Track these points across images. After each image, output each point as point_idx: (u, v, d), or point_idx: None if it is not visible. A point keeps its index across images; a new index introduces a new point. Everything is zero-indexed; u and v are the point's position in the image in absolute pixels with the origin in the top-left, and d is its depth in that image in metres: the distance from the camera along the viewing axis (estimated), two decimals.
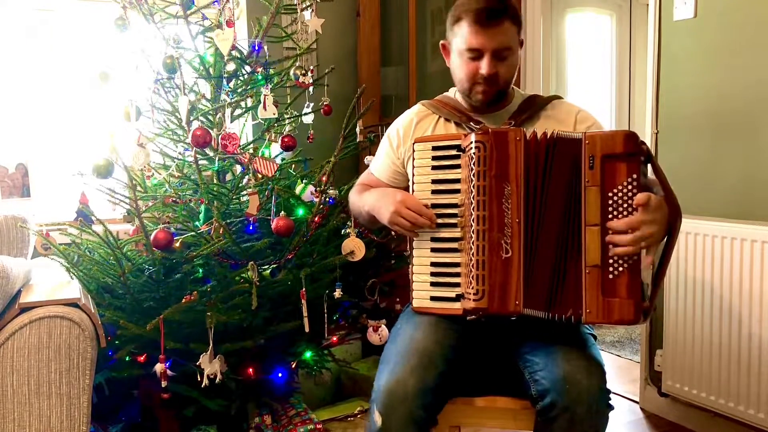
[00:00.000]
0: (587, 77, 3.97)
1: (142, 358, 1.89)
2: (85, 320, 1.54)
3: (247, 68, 2.14)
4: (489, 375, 1.62)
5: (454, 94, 1.75)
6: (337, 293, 1.98)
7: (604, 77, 4.02)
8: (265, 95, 2.04)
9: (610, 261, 1.41)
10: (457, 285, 1.50)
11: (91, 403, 1.58)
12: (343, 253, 1.96)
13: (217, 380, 1.83)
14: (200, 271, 1.99)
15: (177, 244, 1.80)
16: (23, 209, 2.14)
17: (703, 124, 2.36)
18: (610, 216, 1.41)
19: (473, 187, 1.46)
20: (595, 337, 1.58)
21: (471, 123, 1.62)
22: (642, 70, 3.65)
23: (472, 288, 1.45)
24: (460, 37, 1.58)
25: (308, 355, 2.17)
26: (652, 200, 1.38)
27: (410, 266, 1.59)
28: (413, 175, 1.58)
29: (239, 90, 2.15)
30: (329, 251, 2.07)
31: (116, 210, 2.07)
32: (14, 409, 1.48)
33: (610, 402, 1.41)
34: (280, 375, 2.09)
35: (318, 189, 2.05)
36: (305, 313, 1.93)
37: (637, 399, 2.67)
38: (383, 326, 2.06)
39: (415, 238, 1.57)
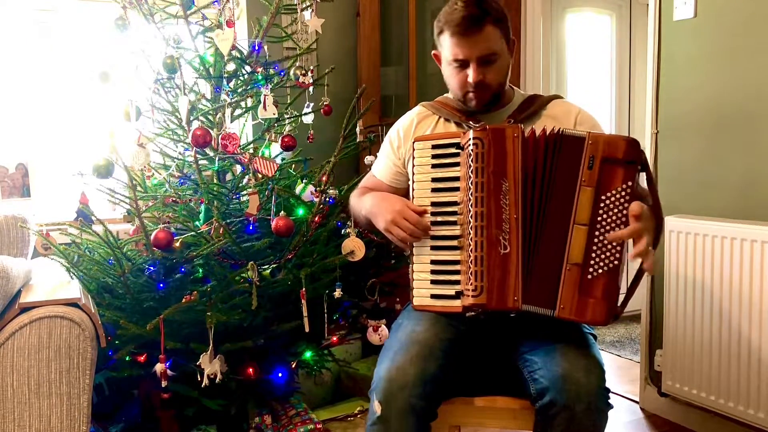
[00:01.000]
0: (587, 77, 3.97)
1: (142, 358, 1.89)
2: (85, 320, 1.54)
3: (247, 68, 2.14)
4: (489, 375, 1.62)
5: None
6: (337, 293, 1.98)
7: (604, 77, 4.02)
8: (265, 95, 2.04)
9: (591, 262, 1.43)
10: (457, 282, 1.50)
11: (91, 403, 1.58)
12: (343, 253, 1.96)
13: (217, 380, 1.83)
14: (200, 271, 1.99)
15: (177, 244, 1.80)
16: (23, 209, 2.14)
17: (703, 124, 2.36)
18: (599, 218, 1.43)
19: (471, 183, 1.47)
20: (595, 337, 1.58)
21: (471, 122, 1.63)
22: (642, 70, 3.65)
23: (471, 284, 1.45)
24: (445, 48, 1.60)
25: (308, 355, 2.17)
26: (645, 211, 1.40)
27: (410, 265, 1.59)
28: (413, 174, 1.58)
29: (239, 90, 2.15)
30: (329, 251, 2.07)
31: (116, 210, 2.08)
32: (14, 409, 1.48)
33: (609, 401, 1.42)
34: (280, 375, 2.09)
35: (318, 189, 2.05)
36: (305, 313, 1.93)
37: (637, 399, 2.67)
38: (383, 326, 2.06)
39: (417, 239, 1.56)
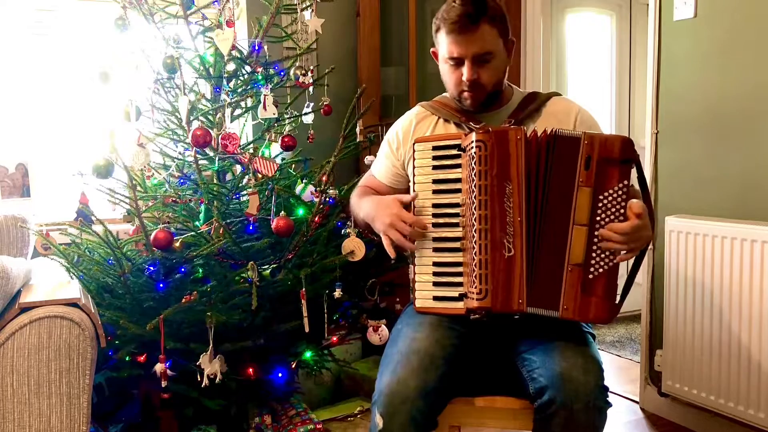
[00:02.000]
0: (587, 77, 3.97)
1: (142, 358, 1.89)
2: (85, 320, 1.54)
3: (247, 68, 2.14)
4: (488, 375, 1.62)
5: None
6: (337, 293, 1.98)
7: (604, 77, 4.02)
8: (265, 95, 2.04)
9: (592, 261, 1.44)
10: (460, 284, 1.50)
11: (91, 403, 1.57)
12: (343, 253, 1.96)
13: (217, 380, 1.83)
14: (200, 271, 1.99)
15: (177, 244, 1.80)
16: (23, 209, 2.14)
17: (702, 124, 2.36)
18: (597, 218, 1.44)
19: (474, 186, 1.46)
20: (593, 336, 1.58)
21: (471, 123, 1.62)
22: (642, 70, 3.65)
23: (476, 287, 1.45)
24: (442, 46, 1.60)
25: (308, 355, 2.17)
26: (644, 209, 1.43)
27: (412, 266, 1.59)
28: (414, 175, 1.58)
29: (239, 90, 2.15)
30: (329, 251, 2.07)
31: (116, 210, 2.08)
32: (14, 409, 1.48)
33: (608, 399, 1.42)
34: (280, 375, 2.09)
35: (318, 189, 2.05)
36: (305, 313, 1.93)
37: (637, 399, 2.67)
38: (383, 326, 2.06)
39: (417, 239, 1.56)
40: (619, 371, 3.05)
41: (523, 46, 3.50)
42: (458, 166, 1.52)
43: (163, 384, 1.81)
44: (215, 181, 2.10)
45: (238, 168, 2.13)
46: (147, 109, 2.09)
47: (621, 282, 1.52)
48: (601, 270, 1.44)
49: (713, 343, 2.25)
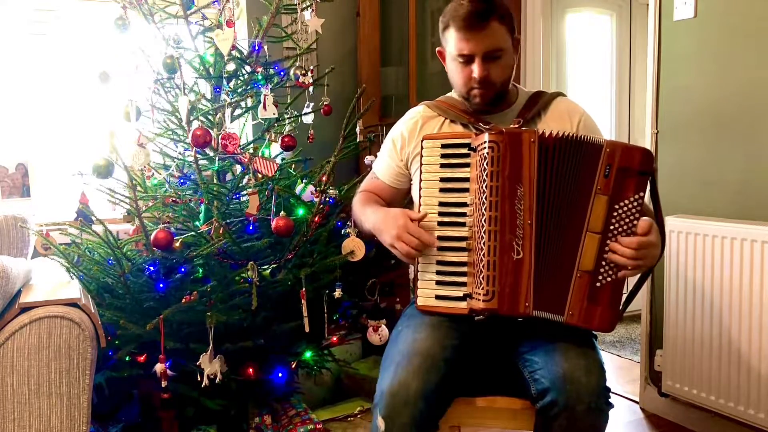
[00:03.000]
0: (587, 77, 3.97)
1: (142, 358, 1.89)
2: (85, 320, 1.54)
3: (247, 68, 2.14)
4: (489, 375, 1.62)
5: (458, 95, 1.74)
6: (337, 293, 1.98)
7: (604, 77, 4.02)
8: (265, 95, 2.04)
9: (601, 270, 1.44)
10: (464, 284, 1.49)
11: (91, 403, 1.57)
12: (343, 253, 1.96)
13: (217, 380, 1.83)
14: (200, 271, 1.99)
15: (177, 244, 1.80)
16: (23, 209, 2.14)
17: (703, 124, 2.36)
18: (611, 227, 1.44)
19: (485, 187, 1.45)
20: (595, 337, 1.58)
21: (480, 124, 1.61)
22: (642, 70, 3.65)
23: (482, 288, 1.44)
24: (451, 43, 1.59)
25: (308, 355, 2.17)
26: (653, 227, 1.43)
27: (414, 265, 1.58)
28: (421, 172, 1.56)
29: (239, 90, 2.15)
30: (329, 251, 2.07)
31: (116, 210, 2.07)
32: (14, 409, 1.48)
33: (609, 400, 1.42)
34: (280, 375, 2.09)
35: (318, 189, 2.05)
36: (305, 313, 1.93)
37: (637, 399, 2.67)
38: (383, 326, 2.06)
39: (423, 251, 1.54)
40: (619, 371, 3.05)
41: (523, 46, 3.49)
42: (467, 165, 1.50)
43: (163, 384, 1.80)
44: (215, 181, 2.10)
45: (238, 168, 2.13)
46: (147, 109, 2.09)
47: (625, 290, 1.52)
48: (609, 279, 1.44)
49: (713, 343, 2.25)
